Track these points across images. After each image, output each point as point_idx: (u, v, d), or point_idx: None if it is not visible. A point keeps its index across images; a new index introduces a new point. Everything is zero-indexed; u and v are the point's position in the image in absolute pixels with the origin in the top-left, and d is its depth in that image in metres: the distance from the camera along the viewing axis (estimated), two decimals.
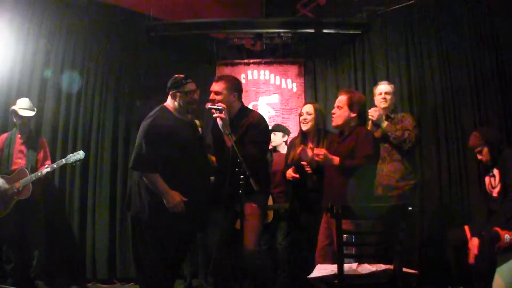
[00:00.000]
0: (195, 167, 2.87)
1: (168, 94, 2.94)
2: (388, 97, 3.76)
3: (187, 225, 2.84)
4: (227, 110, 2.85)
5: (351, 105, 2.94)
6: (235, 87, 2.97)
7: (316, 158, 2.84)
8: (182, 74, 2.92)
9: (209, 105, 2.88)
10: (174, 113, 2.92)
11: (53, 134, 4.31)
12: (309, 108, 3.54)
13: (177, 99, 2.90)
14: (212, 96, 2.92)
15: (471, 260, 3.03)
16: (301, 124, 3.54)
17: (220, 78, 2.99)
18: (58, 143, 4.30)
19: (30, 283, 3.76)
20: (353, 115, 2.94)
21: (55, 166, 3.80)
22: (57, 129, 4.33)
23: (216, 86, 2.92)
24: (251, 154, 2.79)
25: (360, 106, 2.97)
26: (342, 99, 2.98)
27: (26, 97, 4.01)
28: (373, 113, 3.55)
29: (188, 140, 2.89)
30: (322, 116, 3.56)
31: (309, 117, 3.49)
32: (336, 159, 2.83)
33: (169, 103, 2.95)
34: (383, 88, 3.81)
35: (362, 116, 3.02)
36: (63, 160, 3.79)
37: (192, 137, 2.96)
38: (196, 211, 2.83)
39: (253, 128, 2.89)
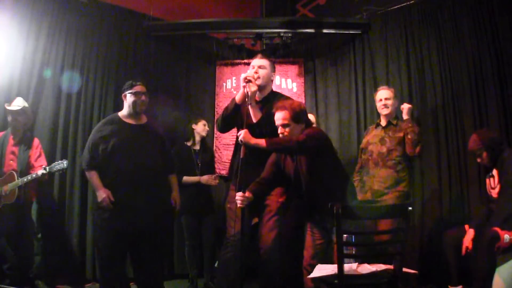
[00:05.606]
0: (134, 170, 3.08)
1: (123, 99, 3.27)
2: (389, 102, 3.75)
3: (117, 224, 3.04)
4: (263, 87, 3.01)
5: (297, 119, 2.75)
6: (274, 69, 3.15)
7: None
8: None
9: (245, 76, 2.91)
10: (123, 118, 3.22)
11: (53, 134, 4.28)
12: None
13: (127, 99, 3.21)
14: (255, 70, 3.01)
15: (464, 252, 3.06)
16: None
17: (263, 56, 3.14)
18: (57, 143, 4.28)
19: (30, 283, 3.74)
20: (301, 126, 2.80)
21: (39, 174, 3.56)
22: (57, 129, 4.30)
23: (261, 62, 3.06)
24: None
25: (304, 115, 2.83)
26: (285, 115, 2.73)
27: (26, 96, 4.01)
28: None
29: (129, 143, 3.13)
30: None
31: None
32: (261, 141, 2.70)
33: (123, 110, 3.27)
34: (383, 94, 3.80)
35: (308, 123, 2.90)
36: (47, 168, 3.57)
37: (138, 140, 3.18)
38: (124, 211, 3.04)
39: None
